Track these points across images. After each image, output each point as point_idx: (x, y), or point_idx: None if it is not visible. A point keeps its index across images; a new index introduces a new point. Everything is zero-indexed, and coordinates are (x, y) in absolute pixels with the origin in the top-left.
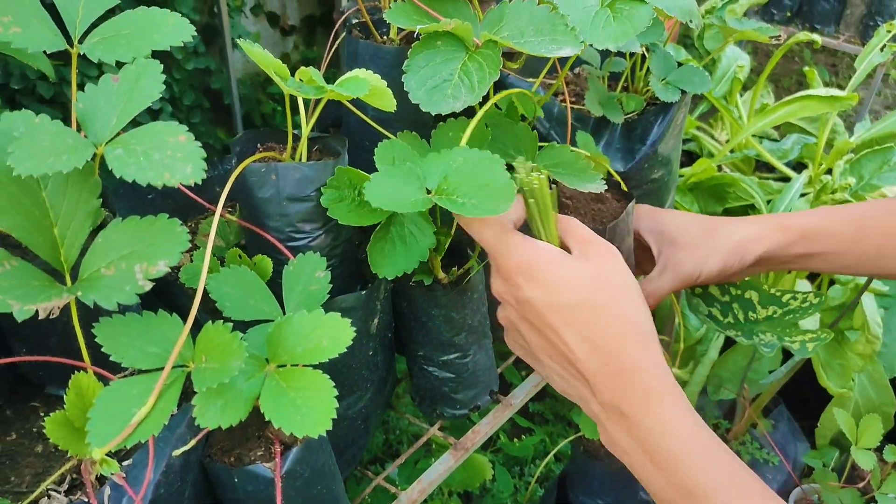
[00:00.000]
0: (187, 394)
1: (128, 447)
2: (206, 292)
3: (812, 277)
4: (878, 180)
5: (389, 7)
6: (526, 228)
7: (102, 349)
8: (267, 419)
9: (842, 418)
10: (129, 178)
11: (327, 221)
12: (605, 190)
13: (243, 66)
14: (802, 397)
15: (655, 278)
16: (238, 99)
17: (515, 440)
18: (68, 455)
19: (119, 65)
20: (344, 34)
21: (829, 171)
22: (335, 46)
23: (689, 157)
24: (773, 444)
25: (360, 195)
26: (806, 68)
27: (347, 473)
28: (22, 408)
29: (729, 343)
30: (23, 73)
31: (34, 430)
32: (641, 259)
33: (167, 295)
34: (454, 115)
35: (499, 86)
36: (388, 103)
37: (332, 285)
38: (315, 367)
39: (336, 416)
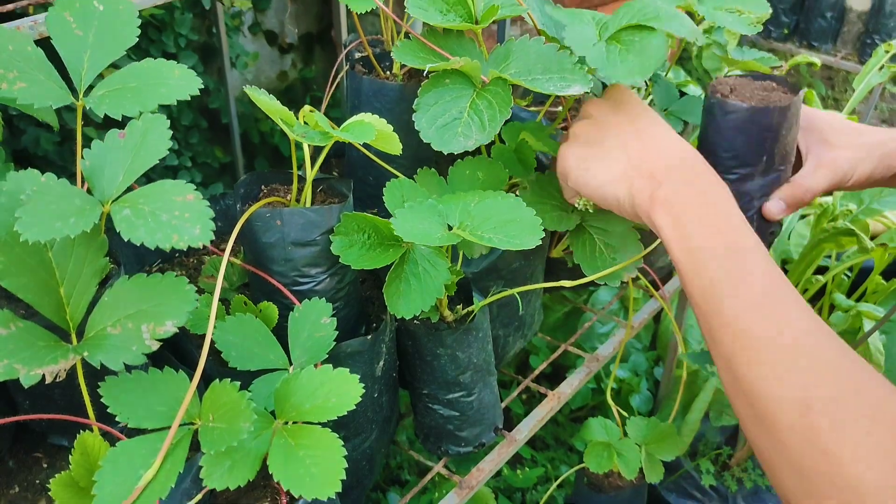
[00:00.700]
0: (193, 442)
1: None
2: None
3: (813, 302)
4: (878, 205)
5: (394, 43)
6: None
7: (108, 410)
8: (276, 479)
9: None
10: (138, 241)
11: (332, 265)
12: (772, 81)
13: (241, 85)
14: None
15: (809, 175)
16: (236, 118)
17: (518, 470)
18: None
19: (125, 119)
20: (346, 68)
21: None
22: (336, 81)
23: None
24: None
25: (370, 238)
26: (805, 89)
27: None
28: (25, 458)
29: None
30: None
31: (37, 482)
32: None
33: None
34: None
35: None
36: (395, 147)
37: (337, 330)
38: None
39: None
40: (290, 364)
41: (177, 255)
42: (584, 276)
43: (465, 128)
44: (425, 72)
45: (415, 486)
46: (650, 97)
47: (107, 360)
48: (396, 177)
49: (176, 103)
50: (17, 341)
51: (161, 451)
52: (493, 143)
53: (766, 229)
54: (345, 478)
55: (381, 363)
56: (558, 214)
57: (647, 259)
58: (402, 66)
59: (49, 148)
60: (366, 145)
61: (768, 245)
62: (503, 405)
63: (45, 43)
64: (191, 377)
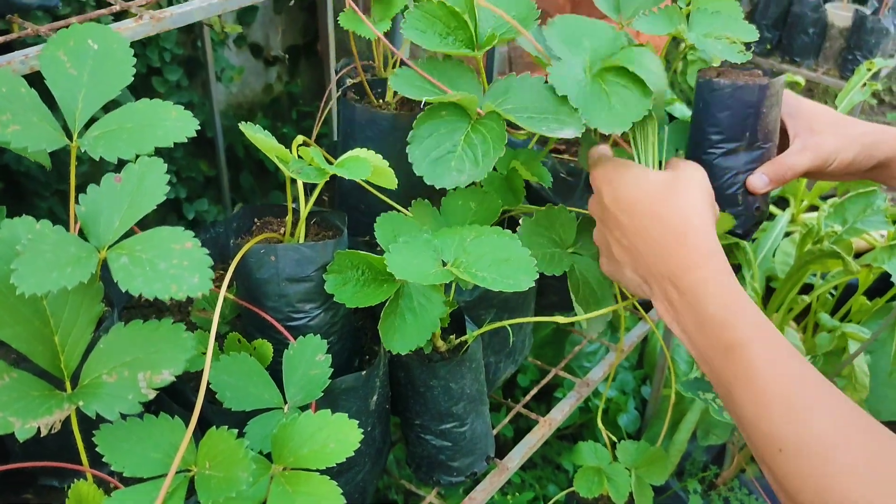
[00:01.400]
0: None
1: None
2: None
3: (798, 320)
4: (862, 224)
5: (387, 70)
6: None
7: (103, 459)
8: None
9: None
10: (136, 292)
11: (326, 300)
12: (760, 72)
13: (226, 98)
14: None
15: (793, 155)
16: (221, 131)
17: (508, 495)
18: None
19: (121, 161)
20: (338, 94)
21: (812, 208)
22: (326, 110)
23: None
24: (761, 491)
25: (364, 275)
26: (786, 75)
27: None
28: (14, 500)
29: None
30: None
31: None
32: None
33: None
34: None
35: None
36: (390, 182)
37: (331, 365)
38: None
39: None
40: (286, 403)
41: None
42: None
43: (459, 162)
44: (422, 104)
45: None
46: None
47: (102, 410)
48: (389, 205)
49: None
50: (11, 392)
51: (157, 501)
52: None
53: (752, 204)
54: None
55: (376, 397)
56: (551, 252)
57: None
58: (395, 93)
59: (31, 165)
60: None
61: (756, 221)
62: (494, 432)
63: (37, 76)
64: (185, 417)
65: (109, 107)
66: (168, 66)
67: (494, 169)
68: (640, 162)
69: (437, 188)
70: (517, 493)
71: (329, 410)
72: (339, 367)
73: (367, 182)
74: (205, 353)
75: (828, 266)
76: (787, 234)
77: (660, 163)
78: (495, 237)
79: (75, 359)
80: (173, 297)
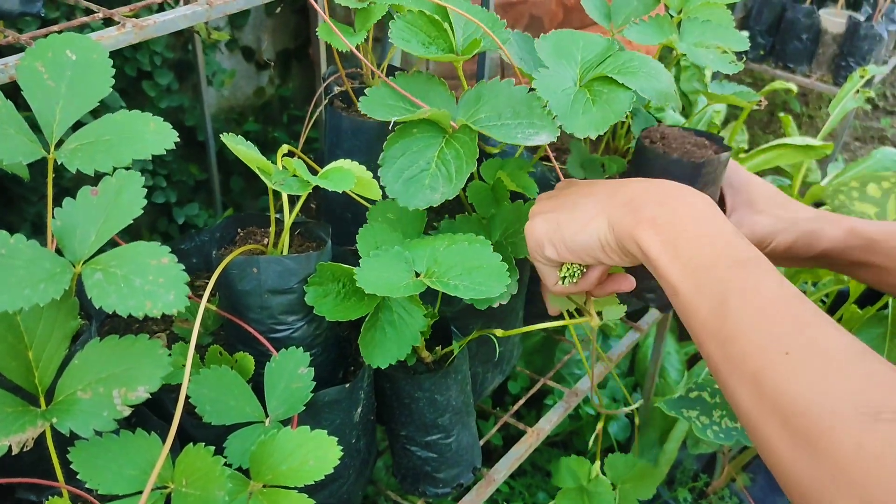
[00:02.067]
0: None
1: None
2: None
3: None
4: None
5: (377, 80)
6: None
7: (78, 476)
8: None
9: None
10: (110, 309)
11: (309, 312)
12: (708, 140)
13: (217, 102)
14: None
15: None
16: (212, 135)
17: None
18: None
19: (98, 174)
20: (325, 102)
21: None
22: (313, 118)
23: None
24: (751, 500)
25: (345, 287)
26: (782, 114)
27: None
28: None
29: None
30: None
31: None
32: None
33: None
34: None
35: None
36: (374, 192)
37: (315, 377)
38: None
39: None
40: (267, 416)
41: None
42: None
43: (433, 180)
44: (391, 124)
45: None
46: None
47: (76, 427)
48: None
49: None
50: None
51: None
52: (471, 178)
53: None
54: None
55: (360, 409)
56: None
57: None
58: None
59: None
60: None
61: None
62: (481, 442)
63: (17, 84)
64: (164, 429)
65: (97, 112)
66: (159, 69)
67: (482, 179)
68: None
69: (411, 208)
70: (506, 502)
71: (308, 427)
72: (323, 378)
73: (353, 191)
74: (185, 365)
75: (819, 275)
76: None
77: None
78: (467, 245)
79: (50, 375)
80: (148, 314)
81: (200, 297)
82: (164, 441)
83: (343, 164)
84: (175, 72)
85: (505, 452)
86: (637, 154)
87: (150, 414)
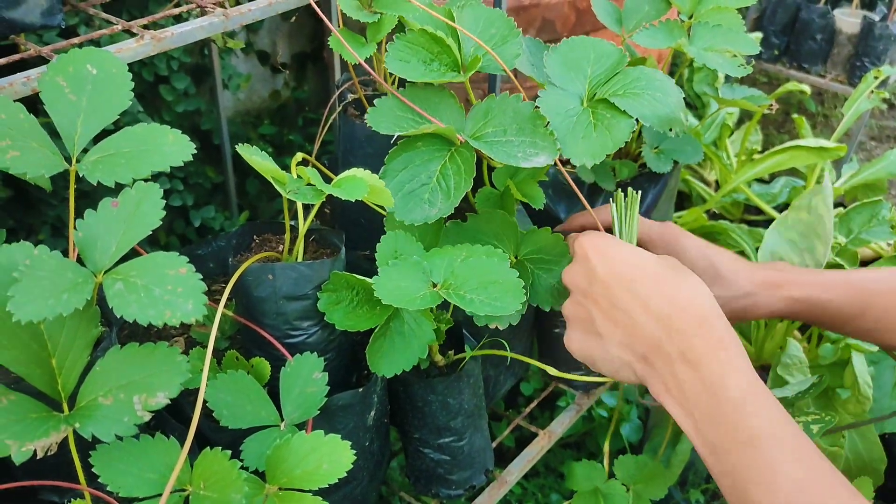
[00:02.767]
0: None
1: None
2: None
3: (803, 329)
4: (867, 235)
5: (373, 103)
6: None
7: (99, 479)
8: None
9: None
10: (130, 318)
11: (324, 317)
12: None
13: (233, 105)
14: None
15: None
16: (228, 138)
17: None
18: None
19: (118, 185)
20: (339, 110)
21: None
22: (328, 125)
23: (679, 199)
24: None
25: (358, 295)
26: (795, 115)
27: None
28: None
29: None
30: None
31: None
32: None
33: None
34: None
35: None
36: (387, 200)
37: (328, 381)
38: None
39: None
40: (282, 420)
41: None
42: None
43: (432, 195)
44: (394, 137)
45: None
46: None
47: (98, 432)
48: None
49: (166, 122)
50: (10, 415)
51: None
52: (482, 185)
53: None
54: None
55: (373, 412)
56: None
57: None
58: None
59: None
60: None
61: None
62: (494, 444)
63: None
64: (182, 433)
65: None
66: (175, 74)
67: (493, 186)
68: (620, 233)
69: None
70: (519, 503)
71: (322, 432)
72: (336, 382)
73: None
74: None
75: None
76: None
77: None
78: (484, 259)
79: (72, 381)
80: (167, 322)
81: (217, 301)
82: (182, 445)
83: (356, 172)
84: (192, 76)
85: (518, 453)
86: None
87: (169, 417)
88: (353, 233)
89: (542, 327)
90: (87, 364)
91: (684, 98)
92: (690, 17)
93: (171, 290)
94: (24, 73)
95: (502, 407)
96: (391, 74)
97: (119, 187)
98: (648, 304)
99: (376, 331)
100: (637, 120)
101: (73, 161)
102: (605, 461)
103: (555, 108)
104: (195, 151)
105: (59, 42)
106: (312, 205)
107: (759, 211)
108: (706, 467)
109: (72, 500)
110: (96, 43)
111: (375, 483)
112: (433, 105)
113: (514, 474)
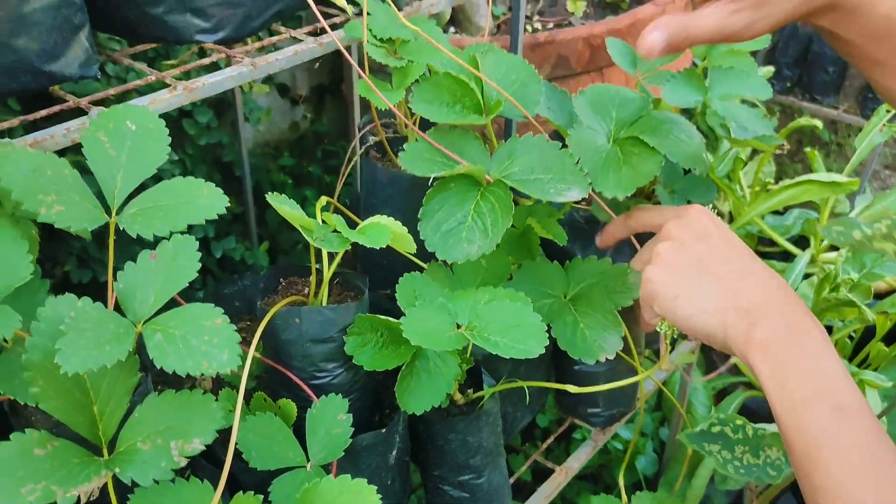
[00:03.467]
0: None
1: None
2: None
3: None
4: (880, 269)
5: (410, 130)
6: None
7: None
8: None
9: None
10: (170, 369)
11: (348, 359)
12: None
13: (254, 137)
14: None
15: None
16: (249, 170)
17: None
18: None
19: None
20: (360, 152)
21: (832, 248)
22: (349, 168)
23: None
24: None
25: (383, 337)
26: (808, 149)
27: None
28: None
29: None
30: None
31: None
32: None
33: None
34: None
35: None
36: (409, 246)
37: (352, 422)
38: None
39: None
40: (308, 461)
41: None
42: None
43: (469, 232)
44: (430, 180)
45: None
46: None
47: (137, 477)
48: (410, 261)
49: (189, 155)
50: (53, 460)
51: None
52: None
53: None
54: None
55: (395, 452)
56: (551, 303)
57: (648, 334)
58: None
59: None
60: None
61: None
62: (511, 480)
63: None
64: (213, 474)
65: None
66: (198, 108)
67: (512, 225)
68: None
69: (449, 261)
70: None
71: (349, 476)
72: (360, 423)
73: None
74: (233, 410)
75: (844, 314)
76: (807, 276)
77: None
78: (508, 302)
79: (112, 427)
80: (205, 373)
81: (243, 339)
82: (214, 487)
83: (379, 220)
84: (214, 110)
85: (535, 485)
86: None
87: (200, 458)
88: (375, 274)
89: (560, 361)
90: (126, 410)
91: (699, 128)
92: (704, 60)
93: (207, 340)
94: (65, 126)
95: (518, 441)
96: (412, 114)
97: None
98: (766, 269)
99: (403, 369)
100: None
101: (113, 213)
102: (623, 496)
103: (584, 145)
104: (217, 177)
105: (95, 93)
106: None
107: (772, 242)
108: (776, 421)
109: None
110: (132, 93)
111: None
112: (459, 146)
113: None
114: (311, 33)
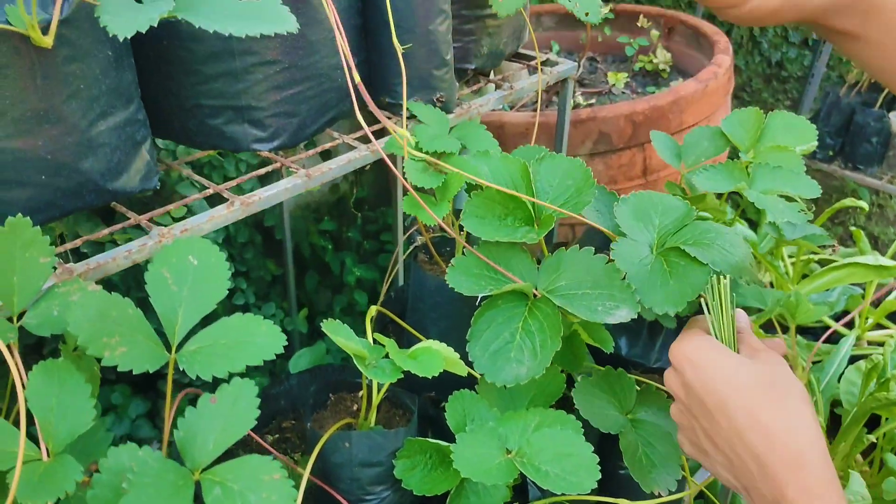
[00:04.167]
0: None
1: None
2: None
3: (865, 454)
4: None
5: (456, 231)
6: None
7: None
8: None
9: None
10: None
11: (396, 481)
12: None
13: (295, 200)
14: None
15: None
16: (290, 233)
17: None
18: None
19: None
20: (409, 252)
21: (878, 326)
22: (393, 273)
23: None
24: None
25: (431, 459)
26: (853, 227)
27: None
28: None
29: None
30: None
31: None
32: None
33: None
34: None
35: None
36: (461, 370)
37: None
38: None
39: None
40: None
41: None
42: None
43: (518, 352)
44: (478, 299)
45: None
46: None
47: None
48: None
49: (233, 227)
50: None
51: None
52: None
53: None
54: None
55: None
56: (612, 415)
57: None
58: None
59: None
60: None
61: None
62: None
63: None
64: None
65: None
66: (243, 174)
67: None
68: (714, 332)
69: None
70: None
71: None
72: None
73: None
74: None
75: (894, 413)
76: (853, 361)
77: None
78: (558, 430)
79: None
80: None
81: (287, 439)
82: None
83: (431, 345)
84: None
85: None
86: None
87: None
88: (416, 380)
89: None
90: None
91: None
92: (749, 154)
93: (265, 497)
94: (126, 248)
95: None
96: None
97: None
98: (743, 437)
99: (452, 492)
100: None
101: (173, 350)
102: None
103: (628, 258)
104: (257, 239)
105: (156, 209)
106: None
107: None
108: None
109: None
110: (189, 209)
111: None
112: (506, 259)
113: None
114: (362, 138)
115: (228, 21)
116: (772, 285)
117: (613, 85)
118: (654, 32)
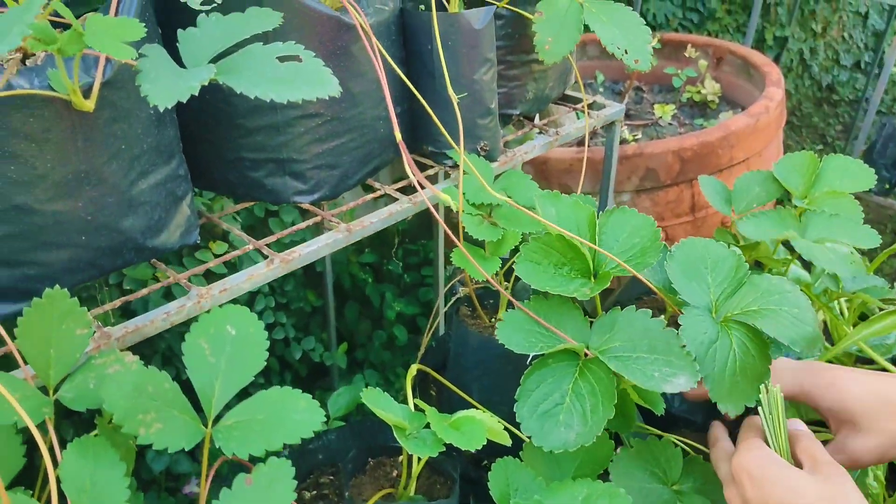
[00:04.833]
0: None
1: None
2: None
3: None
4: None
5: (501, 282)
6: None
7: None
8: None
9: None
10: None
11: None
12: None
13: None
14: None
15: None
16: (330, 265)
17: None
18: None
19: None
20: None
21: None
22: (434, 326)
23: None
24: None
25: None
26: None
27: None
28: None
29: None
30: None
31: None
32: None
33: None
34: None
35: None
36: (504, 440)
37: None
38: None
39: None
40: None
41: None
42: None
43: (567, 415)
44: (529, 358)
45: None
46: None
47: None
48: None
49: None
50: None
51: None
52: None
53: None
54: None
55: None
56: (650, 488)
57: None
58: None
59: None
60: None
61: None
62: None
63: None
64: None
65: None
66: (285, 207)
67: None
68: (769, 440)
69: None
70: None
71: None
72: None
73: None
74: None
75: None
76: None
77: None
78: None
79: None
80: None
81: (325, 496)
82: None
83: (475, 415)
84: (298, 209)
85: None
86: None
87: None
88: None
89: None
90: None
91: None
92: (804, 200)
93: None
94: (164, 309)
95: None
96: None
97: None
98: None
99: None
100: None
101: (209, 424)
102: None
103: (692, 332)
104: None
105: (196, 266)
106: None
107: (870, 360)
108: None
109: None
110: (230, 265)
111: None
112: (557, 315)
113: None
114: (403, 189)
115: (270, 85)
116: (826, 326)
117: (660, 117)
118: (703, 62)
